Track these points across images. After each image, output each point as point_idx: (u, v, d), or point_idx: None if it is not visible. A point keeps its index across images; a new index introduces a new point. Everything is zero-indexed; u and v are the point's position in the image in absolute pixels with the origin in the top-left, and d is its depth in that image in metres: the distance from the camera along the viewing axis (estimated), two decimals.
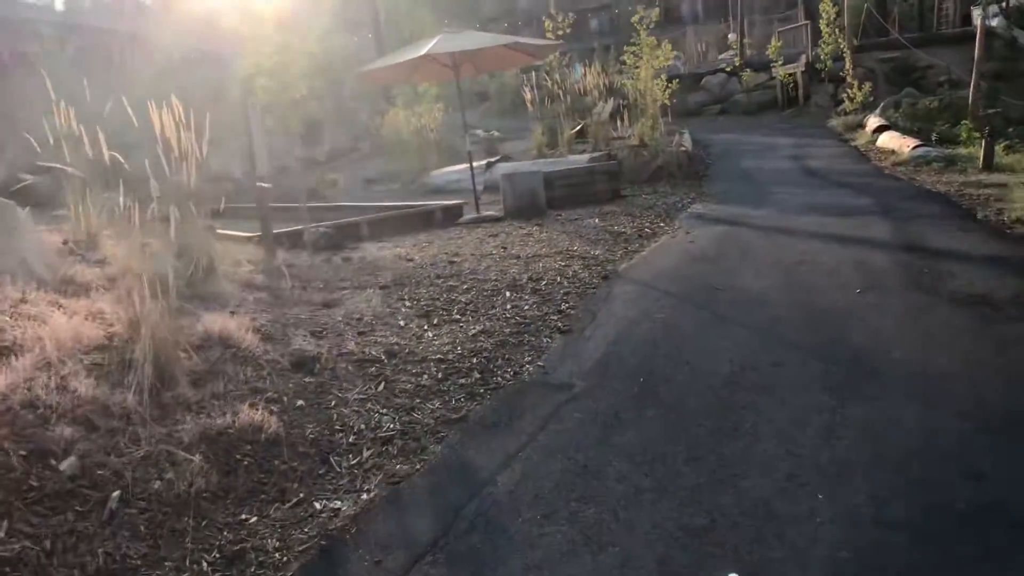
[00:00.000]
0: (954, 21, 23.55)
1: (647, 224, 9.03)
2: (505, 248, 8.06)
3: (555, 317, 5.62)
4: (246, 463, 3.59)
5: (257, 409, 3.92)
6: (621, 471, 3.33)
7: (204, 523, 3.17)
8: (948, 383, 3.79)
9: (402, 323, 5.55)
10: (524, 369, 4.66)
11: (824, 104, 20.29)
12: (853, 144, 15.05)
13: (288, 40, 11.78)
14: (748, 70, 23.02)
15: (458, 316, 5.74)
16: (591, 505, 3.10)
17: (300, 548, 3.03)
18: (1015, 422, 3.41)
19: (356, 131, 22.42)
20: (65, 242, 6.77)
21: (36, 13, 24.07)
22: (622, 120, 15.53)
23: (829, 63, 19.79)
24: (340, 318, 5.57)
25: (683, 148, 13.89)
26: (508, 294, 6.26)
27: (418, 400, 4.26)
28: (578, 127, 15.76)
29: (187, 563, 2.93)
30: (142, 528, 3.07)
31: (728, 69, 23.65)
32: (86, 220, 6.96)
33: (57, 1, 27.39)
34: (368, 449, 3.78)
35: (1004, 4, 22.17)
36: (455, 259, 7.61)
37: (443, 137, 17.25)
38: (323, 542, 3.07)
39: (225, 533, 3.14)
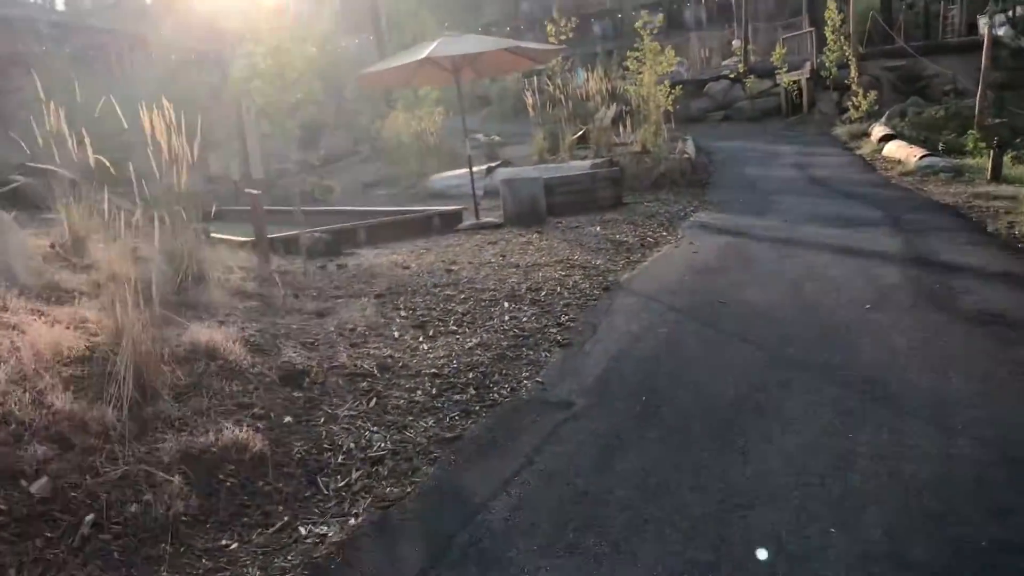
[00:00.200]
0: (960, 30, 23.42)
1: (649, 233, 8.86)
2: (504, 256, 7.90)
3: (555, 330, 5.45)
4: (229, 484, 3.42)
5: (242, 426, 3.75)
6: (623, 499, 3.16)
7: (182, 549, 3.00)
8: (966, 409, 3.62)
9: (396, 334, 5.38)
10: (522, 385, 4.49)
11: (829, 112, 20.14)
12: (858, 153, 14.89)
13: (284, 42, 11.63)
14: (752, 77, 22.88)
15: (454, 327, 5.57)
16: (590, 536, 2.93)
17: None
18: None
19: (356, 134, 22.28)
20: (52, 246, 6.60)
21: (36, 12, 23.96)
22: (624, 126, 15.37)
23: (834, 71, 19.67)
24: (333, 328, 5.40)
25: (686, 155, 13.73)
26: (506, 305, 6.10)
27: (411, 417, 4.09)
28: (580, 132, 15.61)
29: None
30: (115, 555, 2.90)
31: (732, 75, 23.50)
32: (75, 223, 6.80)
33: (58, 1, 27.25)
34: (357, 470, 3.61)
35: (1011, 13, 22.02)
36: (453, 267, 7.45)
37: (443, 141, 17.10)
38: (306, 572, 2.90)
39: (203, 561, 2.97)
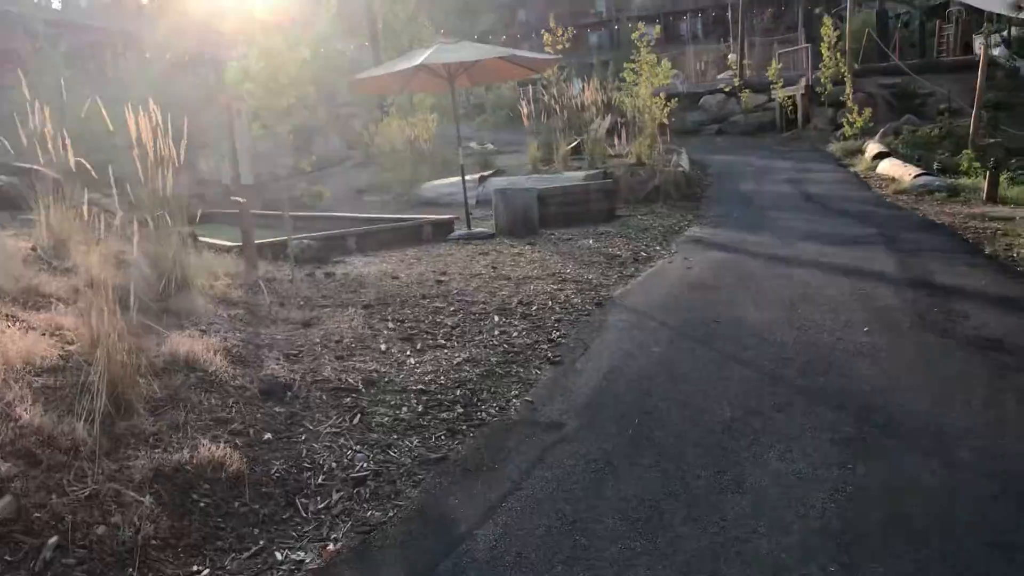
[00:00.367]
0: (954, 49, 23.51)
1: (643, 247, 8.77)
2: (495, 268, 7.77)
3: (545, 346, 5.33)
4: (203, 504, 3.27)
5: (219, 443, 3.61)
6: (613, 529, 3.03)
7: (149, 575, 2.85)
8: (968, 440, 3.51)
9: (383, 347, 5.24)
10: (511, 404, 4.36)
11: (823, 128, 20.15)
12: (852, 170, 14.86)
13: (277, 46, 11.50)
14: (747, 91, 22.91)
15: (443, 341, 5.44)
16: (579, 569, 2.80)
17: None
18: None
19: (350, 139, 22.14)
20: (34, 248, 6.43)
21: (31, 10, 23.76)
22: (619, 137, 15.29)
23: (829, 87, 19.68)
24: (318, 340, 5.26)
25: (680, 168, 13.66)
26: (497, 318, 5.97)
27: (395, 436, 3.95)
28: (574, 143, 15.52)
29: None
30: None
31: (727, 89, 23.53)
32: (58, 225, 6.64)
33: (54, 1, 27.07)
34: (338, 491, 3.47)
35: (1006, 34, 22.12)
36: (443, 278, 7.32)
37: (437, 148, 16.98)
38: None
39: None
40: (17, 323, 4.44)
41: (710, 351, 5.05)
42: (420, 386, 4.55)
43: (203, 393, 4.10)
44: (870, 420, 3.80)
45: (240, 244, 7.54)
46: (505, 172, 15.26)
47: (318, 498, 3.43)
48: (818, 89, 20.52)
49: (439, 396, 4.43)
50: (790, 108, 21.35)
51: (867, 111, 17.08)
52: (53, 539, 2.85)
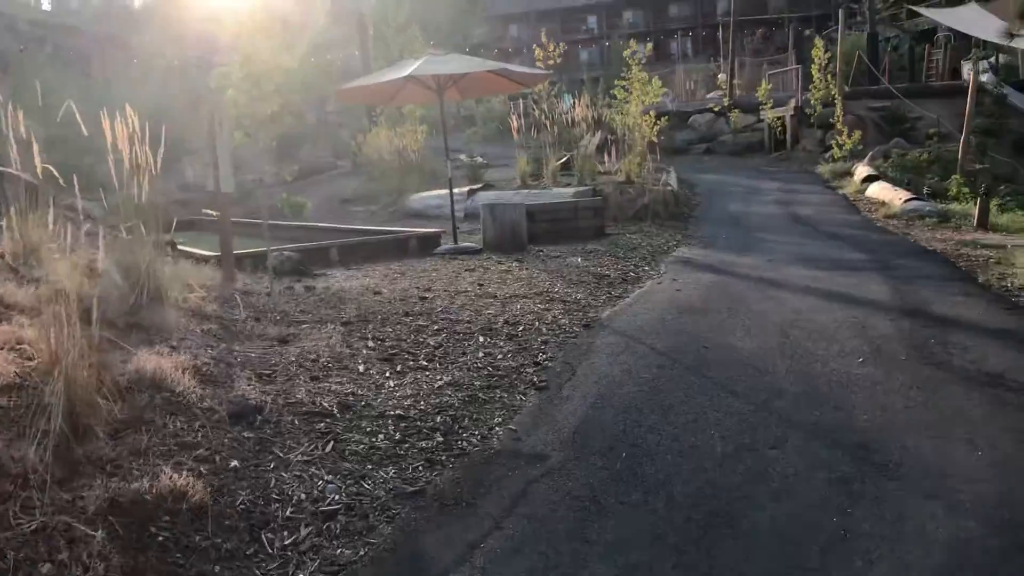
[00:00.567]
0: (943, 74, 23.65)
1: (632, 267, 8.62)
2: (482, 285, 7.59)
3: (531, 370, 5.14)
4: (161, 538, 3.05)
5: (182, 471, 3.39)
6: None
7: None
8: (972, 483, 3.34)
9: (362, 367, 5.04)
10: (493, 432, 4.16)
11: (812, 149, 20.15)
12: (841, 192, 14.82)
13: (261, 52, 11.30)
14: (736, 111, 22.91)
15: (425, 362, 5.24)
16: None
17: None
18: None
19: (338, 149, 21.96)
20: (1, 255, 6.19)
21: (17, 10, 23.46)
22: (609, 154, 15.19)
23: (819, 108, 19.69)
24: (294, 358, 5.05)
25: (669, 187, 13.56)
26: (481, 339, 5.78)
27: (370, 466, 3.75)
28: (564, 159, 15.40)
29: None
30: None
31: (716, 109, 23.53)
32: (27, 231, 6.39)
33: (45, 1, 26.84)
34: (307, 526, 3.26)
35: (994, 60, 22.28)
36: (427, 294, 7.13)
37: (425, 160, 16.83)
38: None
39: None
40: None
41: (700, 379, 4.88)
42: (399, 411, 4.35)
43: (169, 416, 3.87)
44: (868, 459, 3.63)
45: (217, 255, 7.33)
46: (494, 186, 15.11)
47: (285, 532, 3.22)
48: (807, 110, 20.54)
49: (418, 423, 4.23)
50: (779, 129, 21.36)
51: (856, 133, 17.07)
52: None
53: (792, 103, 21.41)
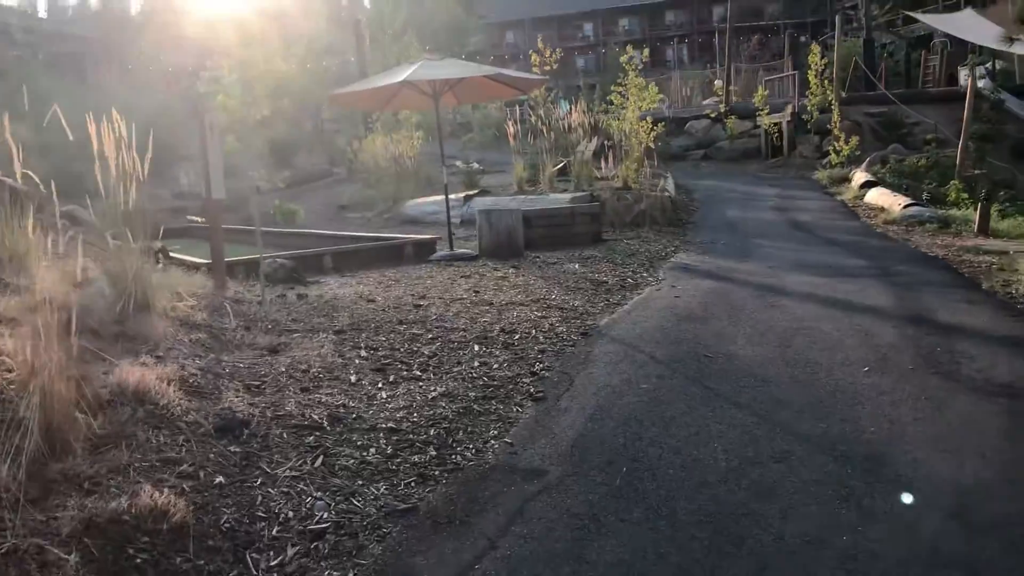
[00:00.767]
0: (939, 80, 23.63)
1: (630, 273, 8.49)
2: (477, 292, 7.46)
3: (528, 380, 5.00)
4: (139, 561, 2.90)
5: (164, 488, 3.25)
6: None
7: None
8: (988, 501, 3.21)
9: (353, 378, 4.90)
10: (488, 446, 4.02)
11: (809, 155, 20.08)
12: (839, 198, 14.73)
13: (252, 57, 11.17)
14: (733, 117, 22.86)
15: (418, 372, 5.10)
16: None
17: None
18: None
19: (333, 155, 21.82)
20: None
21: (10, 16, 23.32)
22: (606, 160, 15.09)
23: (816, 114, 19.63)
24: (284, 368, 4.91)
25: (666, 193, 13.46)
26: (477, 348, 5.65)
27: (360, 482, 3.61)
28: (561, 165, 15.30)
29: None
30: None
31: (713, 115, 23.47)
32: (15, 238, 6.25)
33: (40, 8, 26.77)
34: (294, 546, 3.11)
35: (991, 66, 22.25)
36: (422, 302, 6.99)
37: (421, 166, 16.73)
38: None
39: None
40: None
41: (702, 389, 4.75)
42: (391, 424, 4.21)
43: (151, 430, 3.73)
44: (878, 473, 3.50)
45: (208, 263, 7.20)
46: (490, 192, 15.00)
47: (271, 553, 3.07)
48: (804, 116, 20.48)
49: (411, 436, 4.09)
50: (776, 135, 21.29)
51: (854, 139, 17.01)
52: None
53: (789, 109, 21.36)
